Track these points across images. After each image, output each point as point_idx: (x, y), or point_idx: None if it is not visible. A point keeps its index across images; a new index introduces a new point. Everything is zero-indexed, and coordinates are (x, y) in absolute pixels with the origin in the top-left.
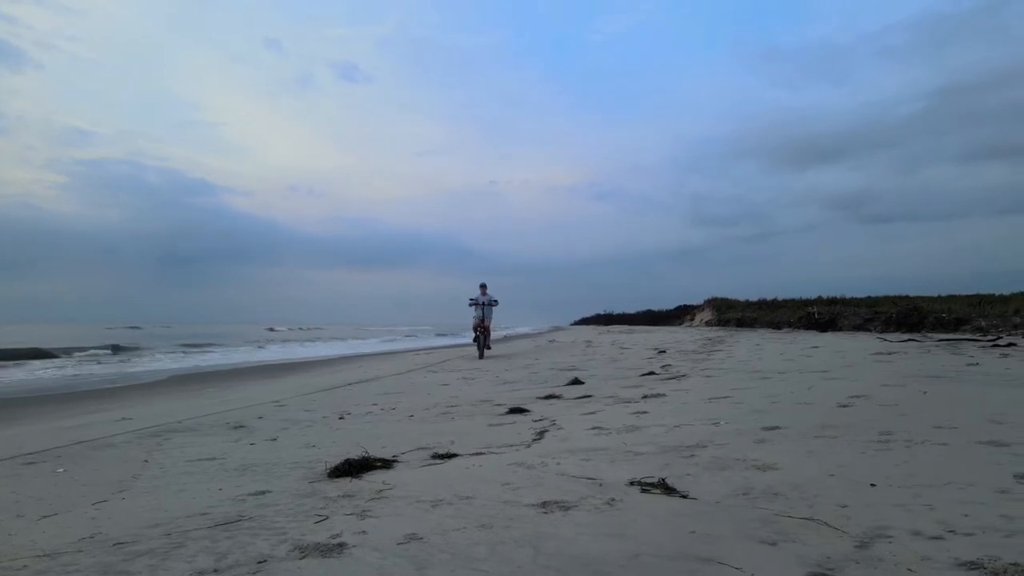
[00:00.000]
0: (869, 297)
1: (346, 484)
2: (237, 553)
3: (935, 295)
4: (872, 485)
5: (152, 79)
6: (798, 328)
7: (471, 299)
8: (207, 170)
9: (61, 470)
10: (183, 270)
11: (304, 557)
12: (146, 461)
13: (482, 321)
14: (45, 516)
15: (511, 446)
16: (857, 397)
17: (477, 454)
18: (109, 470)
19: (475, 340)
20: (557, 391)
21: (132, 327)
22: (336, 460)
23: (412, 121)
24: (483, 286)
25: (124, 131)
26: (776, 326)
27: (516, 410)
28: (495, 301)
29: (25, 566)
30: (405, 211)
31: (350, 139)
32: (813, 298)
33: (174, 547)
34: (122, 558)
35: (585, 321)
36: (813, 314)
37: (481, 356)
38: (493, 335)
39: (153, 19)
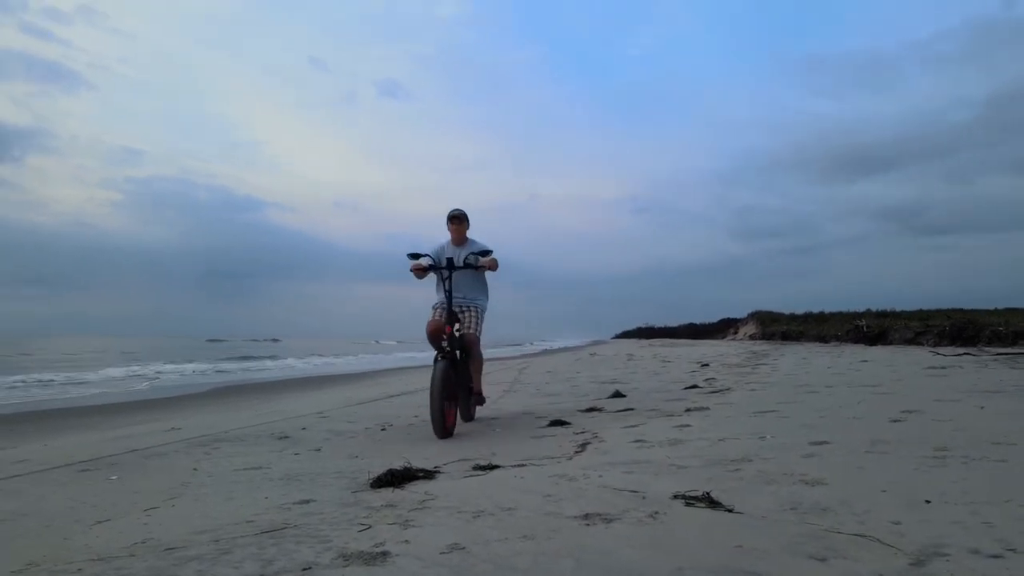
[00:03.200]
0: (921, 310)
1: (388, 494)
2: (283, 560)
3: (991, 308)
4: (927, 502)
5: (200, 98)
6: (846, 342)
7: (414, 256)
8: (253, 187)
9: (114, 477)
10: (232, 285)
11: (348, 565)
12: (195, 470)
13: (452, 318)
14: (99, 521)
15: (552, 458)
16: (910, 412)
17: (518, 466)
18: (160, 478)
19: (437, 375)
20: (598, 404)
21: (214, 340)
22: (378, 470)
23: (453, 136)
24: (456, 218)
25: (174, 150)
26: (823, 340)
27: (557, 422)
28: (487, 254)
29: (80, 569)
30: (443, 226)
31: (393, 154)
32: (862, 311)
33: (222, 553)
34: (172, 563)
35: (626, 335)
36: (862, 327)
37: (444, 431)
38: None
39: (201, 41)
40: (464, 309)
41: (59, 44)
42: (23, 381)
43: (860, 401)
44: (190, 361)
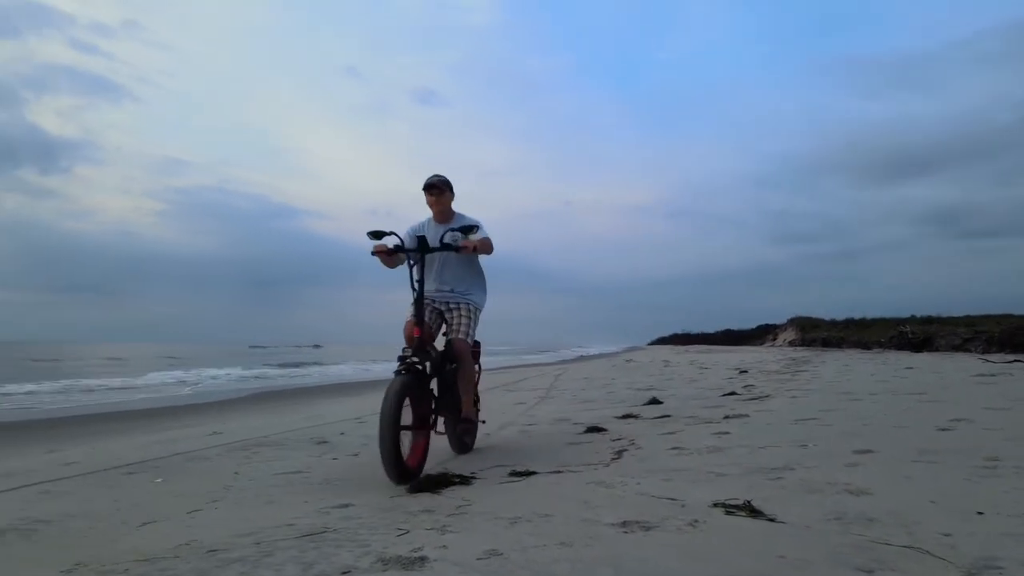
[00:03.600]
0: (968, 316)
1: (426, 499)
2: (323, 564)
3: None
4: (979, 513)
5: (239, 109)
6: (889, 348)
7: (375, 236)
8: (290, 195)
9: (159, 480)
10: (273, 292)
11: (387, 570)
12: (236, 473)
13: (422, 317)
14: (145, 523)
15: (589, 465)
16: (958, 420)
17: (555, 472)
18: (202, 481)
19: (391, 395)
20: (635, 411)
21: (256, 346)
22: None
23: (487, 142)
24: (434, 187)
25: (214, 159)
26: (865, 346)
27: (593, 429)
28: (471, 230)
29: (127, 570)
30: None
31: (427, 161)
32: (905, 317)
33: (263, 556)
34: (215, 564)
35: (662, 341)
36: (906, 333)
37: (399, 472)
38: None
39: (241, 53)
40: (452, 306)
41: (104, 58)
42: (71, 386)
43: (906, 409)
44: (232, 367)
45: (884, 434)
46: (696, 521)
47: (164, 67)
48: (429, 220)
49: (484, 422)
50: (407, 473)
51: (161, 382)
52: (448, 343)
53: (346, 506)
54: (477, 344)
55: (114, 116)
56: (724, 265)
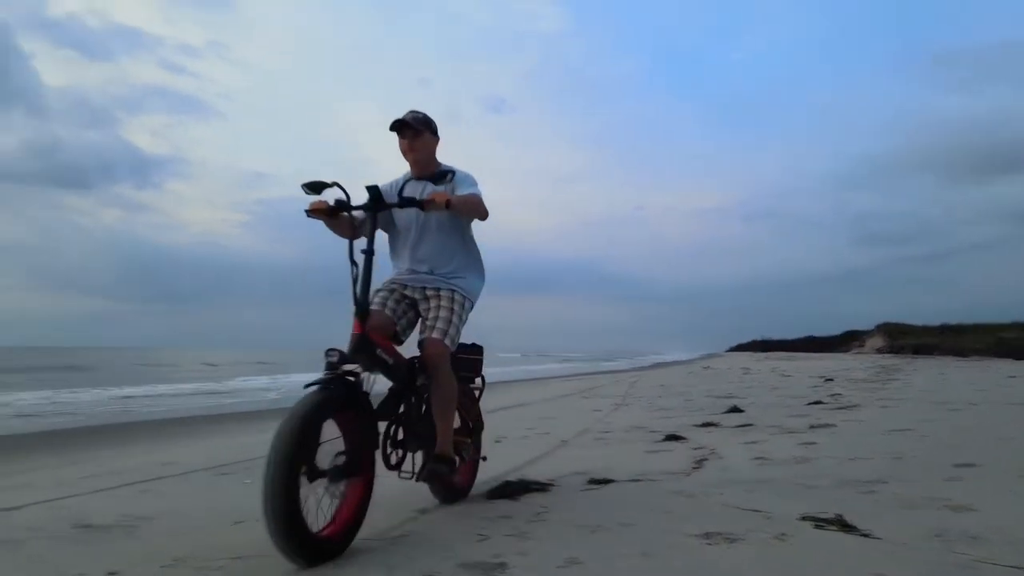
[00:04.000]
0: None
1: (504, 505)
2: (407, 566)
3: None
4: None
5: (316, 123)
6: (987, 356)
7: (312, 189)
8: None
9: (248, 481)
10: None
11: (468, 575)
12: None
13: (366, 308)
14: (237, 522)
15: (669, 473)
16: None
17: (634, 480)
18: None
19: (294, 422)
20: (714, 419)
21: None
22: (494, 482)
23: (558, 148)
24: (406, 126)
25: (294, 171)
26: (961, 353)
27: (672, 437)
28: (447, 176)
29: (222, 567)
30: (547, 238)
31: (498, 169)
32: (1006, 323)
33: (349, 556)
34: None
35: (740, 348)
36: (1008, 340)
37: (296, 547)
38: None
39: (320, 70)
40: (430, 293)
41: (191, 77)
42: (168, 391)
43: (1010, 420)
44: (317, 371)
45: (987, 447)
46: (784, 534)
47: (247, 84)
48: (406, 176)
49: (486, 459)
50: (314, 547)
51: (250, 387)
52: (420, 346)
53: (425, 511)
54: (476, 349)
55: (200, 132)
56: (805, 269)
